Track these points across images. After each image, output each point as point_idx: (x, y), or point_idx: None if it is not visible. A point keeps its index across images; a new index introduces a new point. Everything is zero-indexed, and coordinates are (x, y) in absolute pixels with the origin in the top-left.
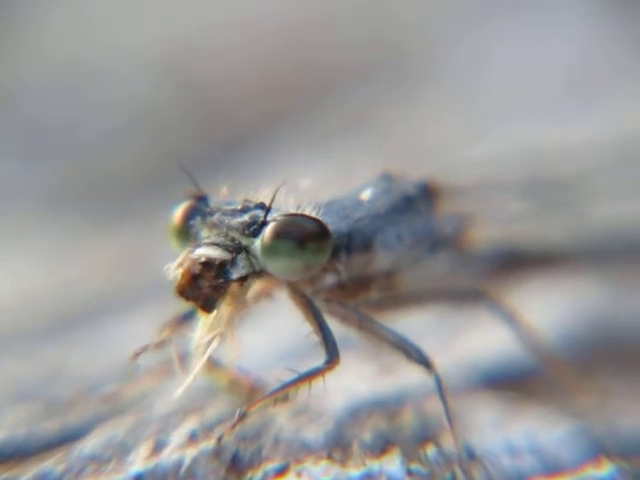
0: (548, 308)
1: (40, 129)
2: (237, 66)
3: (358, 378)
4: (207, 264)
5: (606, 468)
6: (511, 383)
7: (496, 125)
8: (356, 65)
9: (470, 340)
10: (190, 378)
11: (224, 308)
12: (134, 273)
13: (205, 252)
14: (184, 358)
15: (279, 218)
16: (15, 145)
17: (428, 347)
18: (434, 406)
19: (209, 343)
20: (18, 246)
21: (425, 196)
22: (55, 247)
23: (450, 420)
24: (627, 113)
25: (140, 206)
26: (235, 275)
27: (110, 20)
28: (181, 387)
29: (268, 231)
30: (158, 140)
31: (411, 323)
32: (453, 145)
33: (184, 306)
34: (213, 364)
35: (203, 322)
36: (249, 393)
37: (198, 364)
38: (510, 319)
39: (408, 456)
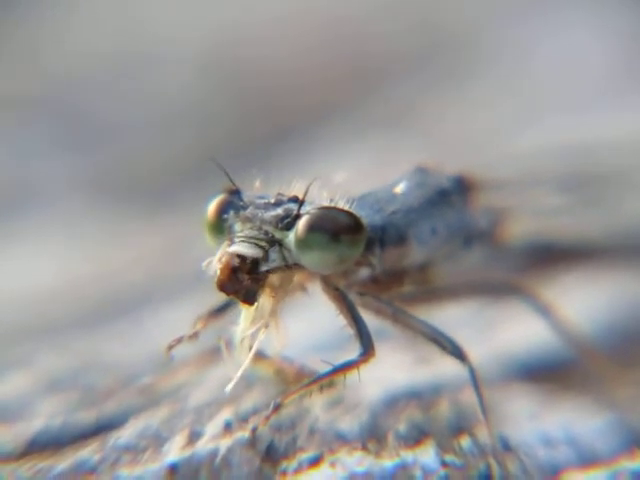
0: (585, 301)
1: (87, 120)
2: (284, 58)
3: (394, 368)
4: (245, 258)
5: None
6: (547, 375)
7: (541, 118)
8: (403, 57)
9: (506, 332)
10: (240, 370)
11: (265, 300)
12: (173, 264)
13: (239, 249)
14: (229, 349)
15: (312, 211)
16: (63, 135)
17: (464, 339)
18: (469, 397)
19: (254, 335)
20: (59, 236)
21: (460, 190)
22: (95, 238)
23: (484, 411)
24: None
25: (182, 197)
26: (269, 267)
27: (157, 11)
28: (231, 380)
29: (302, 224)
30: (202, 131)
31: (447, 315)
32: (497, 138)
33: (218, 298)
34: (258, 355)
35: (245, 315)
36: (295, 381)
37: (245, 357)
38: (545, 312)
39: (443, 447)
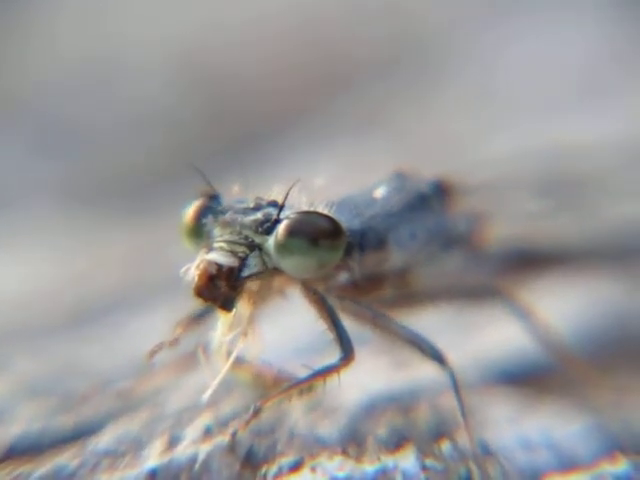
0: (563, 305)
1: (54, 125)
2: (252, 63)
3: (372, 373)
4: (222, 266)
5: (621, 464)
6: (526, 379)
7: (512, 123)
8: (373, 61)
9: (484, 336)
10: (218, 378)
11: (243, 306)
12: (147, 268)
13: (215, 257)
14: (206, 356)
15: (292, 216)
16: (29, 141)
17: (443, 343)
18: (449, 401)
19: (231, 342)
20: (32, 241)
21: (438, 194)
22: (69, 242)
23: (464, 416)
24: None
25: (153, 202)
26: (248, 273)
27: (124, 16)
28: (209, 388)
29: (281, 229)
30: (172, 136)
31: (426, 320)
32: (469, 143)
33: (197, 304)
34: (236, 361)
35: (223, 321)
36: (273, 386)
37: (223, 363)
38: (525, 316)
39: (423, 452)
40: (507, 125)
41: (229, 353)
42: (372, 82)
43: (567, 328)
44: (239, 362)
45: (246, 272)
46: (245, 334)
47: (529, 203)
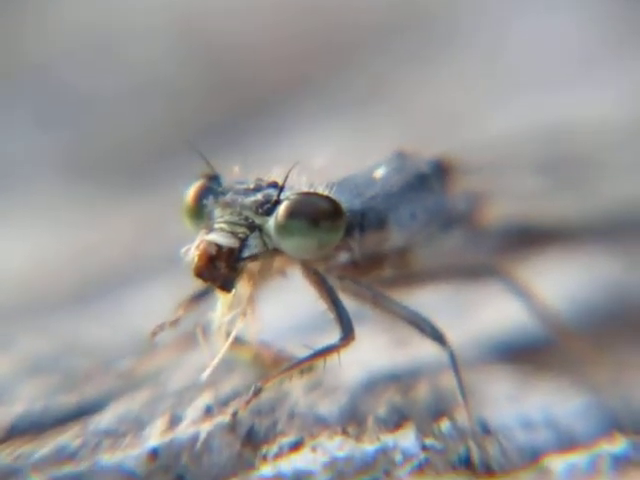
0: (562, 281)
1: (55, 96)
2: (254, 31)
3: (373, 351)
4: (222, 247)
5: (620, 443)
6: (525, 356)
7: (515, 95)
8: (375, 30)
9: (483, 315)
10: (217, 357)
11: (242, 287)
12: (149, 244)
13: (216, 238)
14: (206, 336)
15: (292, 197)
16: (29, 111)
17: (442, 321)
18: (448, 380)
19: (231, 322)
20: (33, 215)
21: (438, 174)
22: (70, 216)
23: (464, 395)
24: None
25: (154, 175)
26: (248, 254)
27: None
28: (208, 367)
29: (282, 210)
30: (171, 105)
31: (425, 298)
32: (470, 117)
33: (197, 284)
34: (236, 341)
35: (223, 302)
36: (272, 365)
37: (222, 343)
38: (523, 294)
39: (423, 431)
40: (509, 99)
41: (228, 333)
42: (374, 52)
43: (566, 304)
44: (238, 342)
45: (246, 253)
46: (244, 314)
47: (529, 181)
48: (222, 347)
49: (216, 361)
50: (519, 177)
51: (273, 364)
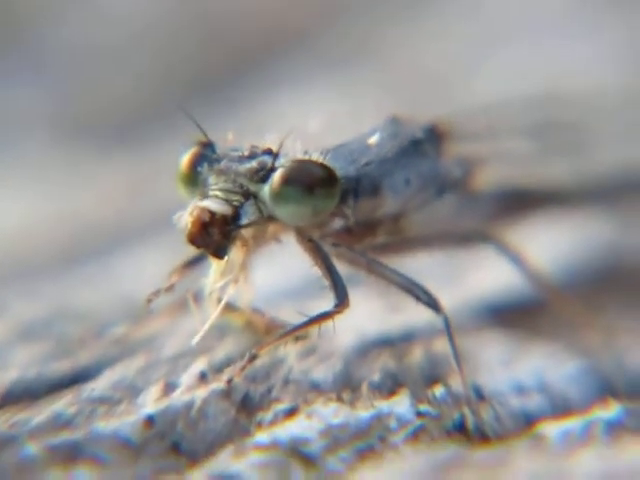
0: (554, 243)
1: (37, 48)
2: None
3: (366, 317)
4: (216, 213)
5: (613, 409)
6: (517, 320)
7: (499, 48)
8: None
9: (475, 278)
10: (207, 323)
11: (235, 253)
12: (138, 204)
13: (210, 205)
14: (198, 301)
15: (287, 164)
16: (14, 69)
17: (434, 286)
18: (442, 345)
19: (223, 288)
20: (23, 175)
21: (432, 139)
22: (59, 176)
23: (458, 361)
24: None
25: (144, 132)
26: (244, 221)
27: None
28: (199, 332)
29: (277, 177)
30: (160, 59)
31: (417, 263)
32: (457, 73)
33: (192, 250)
34: (228, 306)
35: (215, 268)
36: (265, 332)
37: (214, 310)
38: (515, 258)
39: (417, 397)
40: (493, 55)
41: (220, 299)
42: (358, 8)
43: (558, 265)
44: (230, 308)
45: (241, 220)
46: (237, 280)
47: (521, 146)
48: (213, 313)
49: (206, 326)
50: (512, 142)
51: (265, 331)
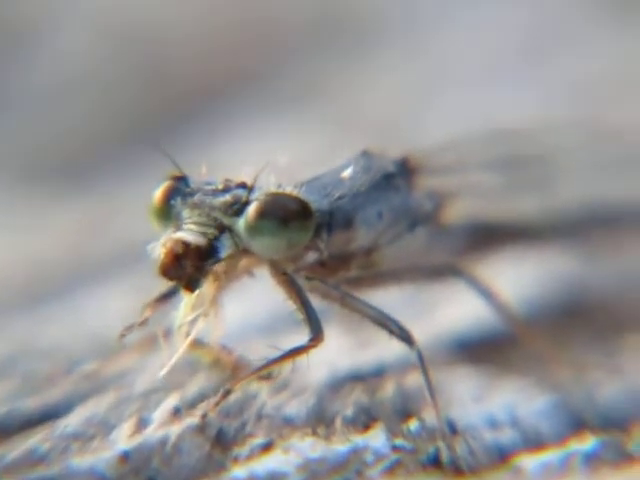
0: (520, 277)
1: None
2: (187, 22)
3: (337, 351)
4: (189, 245)
5: (589, 441)
6: (487, 354)
7: (447, 90)
8: (309, 24)
9: (445, 312)
10: (175, 357)
11: (207, 287)
12: (97, 242)
13: (184, 236)
14: (167, 336)
15: (262, 197)
16: None
17: (404, 320)
18: (414, 380)
19: (193, 322)
20: None
21: (404, 173)
22: (10, 218)
23: (432, 395)
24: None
25: (92, 172)
26: (218, 255)
27: None
28: (166, 366)
29: (252, 210)
30: (104, 100)
31: (387, 297)
32: (408, 112)
33: (165, 284)
34: (196, 342)
35: (186, 301)
36: (232, 370)
37: (182, 343)
38: (485, 293)
39: (392, 431)
40: (443, 95)
41: (188, 333)
42: (308, 47)
43: (523, 301)
44: (199, 343)
45: (216, 254)
46: (207, 315)
47: (488, 180)
48: (182, 347)
49: (174, 360)
50: (480, 175)
51: (232, 369)
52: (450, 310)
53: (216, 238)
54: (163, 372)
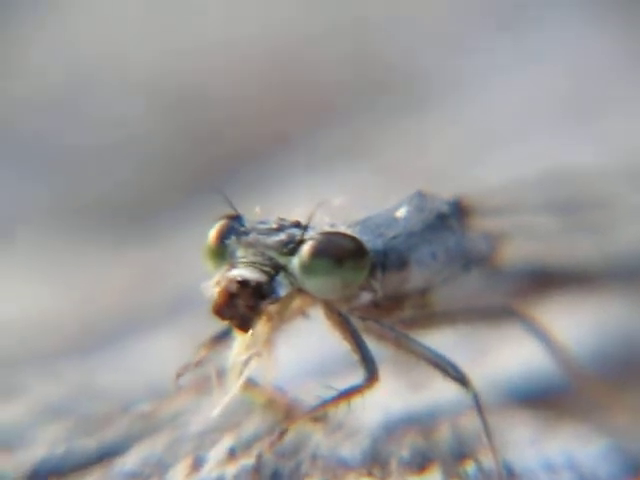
0: (575, 326)
1: (35, 146)
2: (231, 86)
3: (390, 394)
4: (244, 284)
5: None
6: (543, 400)
7: (497, 145)
8: (354, 86)
9: (500, 357)
10: (227, 397)
11: (261, 327)
12: (147, 293)
13: (242, 273)
14: (221, 376)
15: (317, 236)
16: (15, 165)
17: (458, 363)
18: (468, 422)
19: (246, 362)
20: (23, 268)
21: (458, 214)
22: (62, 269)
23: (489, 436)
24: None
25: (143, 226)
26: (274, 294)
27: (100, 36)
28: (219, 406)
29: (306, 249)
30: (151, 162)
31: (441, 339)
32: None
33: (219, 324)
34: (250, 383)
35: (239, 341)
36: (285, 412)
37: (235, 383)
38: (543, 336)
39: (449, 473)
40: (492, 152)
41: (241, 373)
42: (354, 108)
43: (580, 345)
44: (253, 384)
45: (273, 293)
46: (260, 355)
47: (543, 223)
48: (234, 387)
49: (226, 401)
50: (534, 218)
51: (286, 410)
52: (504, 353)
53: (272, 277)
54: (215, 412)
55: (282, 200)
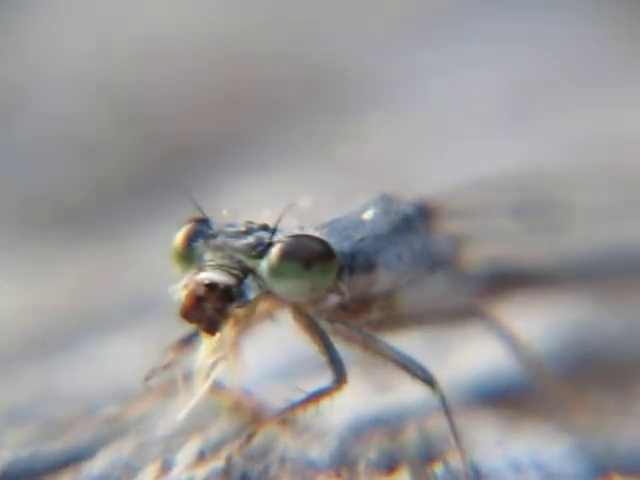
0: (534, 323)
1: None
2: (174, 82)
3: (358, 396)
4: (212, 287)
5: None
6: (508, 399)
7: (449, 141)
8: (298, 83)
9: (462, 357)
10: (193, 400)
11: (228, 330)
12: (101, 294)
13: (210, 276)
14: (188, 379)
15: (285, 239)
16: None
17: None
18: (435, 424)
19: (213, 365)
20: None
21: (423, 216)
22: (19, 268)
23: (457, 438)
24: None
25: (94, 225)
26: (243, 297)
27: (40, 36)
28: (184, 409)
29: (275, 252)
30: (92, 162)
31: (405, 340)
32: (411, 166)
33: (186, 327)
34: (216, 386)
35: (206, 344)
36: (252, 415)
37: (202, 386)
38: (507, 336)
39: (417, 474)
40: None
41: (208, 376)
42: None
43: (538, 345)
44: (219, 387)
45: (241, 296)
46: (227, 358)
47: (505, 225)
48: (200, 390)
49: (192, 404)
50: (498, 219)
51: (252, 415)
52: (468, 353)
53: (240, 280)
54: (182, 415)
55: (235, 199)
